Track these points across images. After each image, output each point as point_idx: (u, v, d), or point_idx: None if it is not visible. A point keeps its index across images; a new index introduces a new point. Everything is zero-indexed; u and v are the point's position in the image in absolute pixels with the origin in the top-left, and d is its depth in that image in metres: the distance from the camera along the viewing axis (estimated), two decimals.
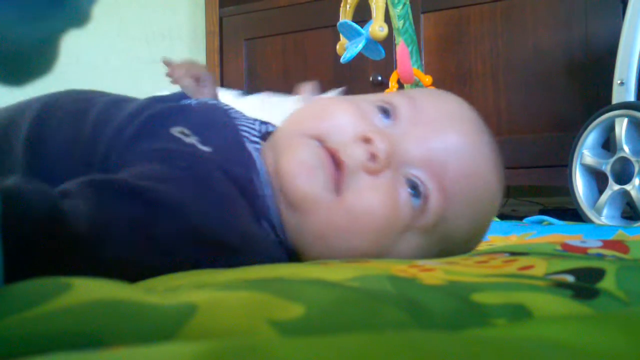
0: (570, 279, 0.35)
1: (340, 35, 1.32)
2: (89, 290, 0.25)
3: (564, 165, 1.48)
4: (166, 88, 0.70)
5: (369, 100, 0.52)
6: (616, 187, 1.38)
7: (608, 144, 1.45)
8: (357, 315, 0.26)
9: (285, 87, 1.83)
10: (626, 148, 1.37)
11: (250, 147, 0.51)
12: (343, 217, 0.46)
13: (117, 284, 0.28)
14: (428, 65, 1.89)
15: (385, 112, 0.51)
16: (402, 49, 1.42)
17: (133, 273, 0.36)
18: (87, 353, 0.18)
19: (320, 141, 0.49)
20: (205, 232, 0.42)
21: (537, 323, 0.27)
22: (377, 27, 1.22)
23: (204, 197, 0.44)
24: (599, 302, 0.32)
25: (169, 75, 0.70)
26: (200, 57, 2.47)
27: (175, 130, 0.49)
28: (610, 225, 1.18)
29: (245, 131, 0.52)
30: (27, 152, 0.50)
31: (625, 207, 1.41)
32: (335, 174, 0.47)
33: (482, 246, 0.59)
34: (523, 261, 0.40)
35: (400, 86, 1.47)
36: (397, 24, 1.42)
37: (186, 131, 0.49)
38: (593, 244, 0.47)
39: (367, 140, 0.47)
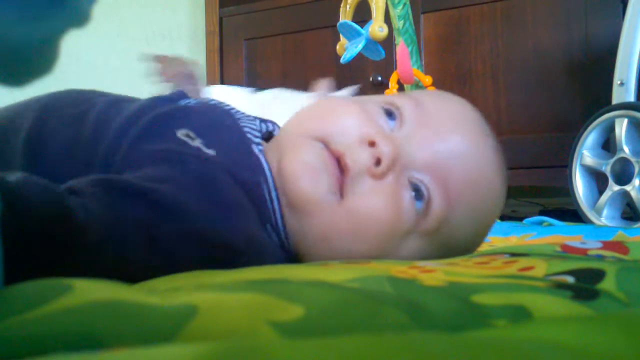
0: (570, 280, 0.35)
1: (340, 36, 1.32)
2: (90, 291, 0.25)
3: (564, 166, 1.48)
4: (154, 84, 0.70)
5: (374, 102, 0.52)
6: (616, 187, 1.38)
7: (608, 144, 1.45)
8: (357, 316, 0.26)
9: (285, 87, 1.83)
10: (626, 149, 1.37)
11: (255, 149, 0.50)
12: (346, 221, 0.46)
13: (118, 285, 0.28)
14: (428, 66, 1.89)
15: (390, 114, 0.51)
16: (402, 49, 1.42)
17: (136, 273, 0.36)
18: (88, 354, 0.18)
19: (325, 143, 0.48)
20: (210, 234, 0.42)
21: (537, 324, 0.27)
22: (377, 28, 1.22)
23: (210, 199, 0.44)
24: (599, 303, 0.32)
25: (161, 74, 0.69)
26: (200, 57, 2.47)
27: (181, 133, 0.48)
28: (610, 226, 1.18)
29: (249, 132, 0.52)
30: (27, 154, 0.50)
31: (625, 208, 1.41)
32: (339, 177, 0.47)
33: (482, 247, 0.59)
34: (523, 262, 0.40)
35: (401, 87, 1.47)
36: (397, 24, 1.42)
37: (191, 134, 0.48)
38: (593, 245, 0.47)
39: (371, 144, 0.47)
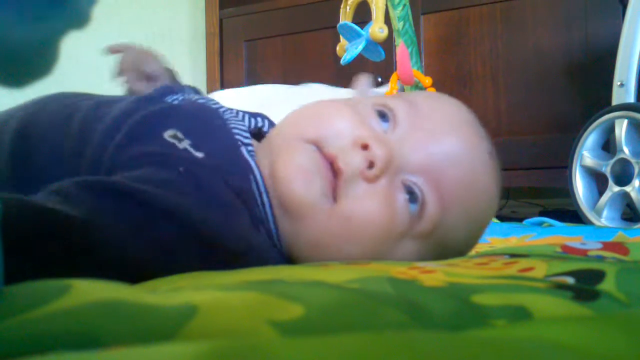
0: (570, 280, 0.35)
1: (340, 37, 1.32)
2: (89, 291, 0.25)
3: (564, 167, 1.48)
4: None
5: (367, 104, 0.52)
6: (616, 188, 1.38)
7: (608, 145, 1.45)
8: (356, 316, 0.26)
9: None
10: (626, 149, 1.37)
11: (244, 151, 0.50)
12: (340, 225, 0.46)
13: (118, 285, 0.28)
14: (428, 67, 1.89)
15: (383, 115, 0.51)
16: (402, 51, 1.42)
17: (122, 275, 0.36)
18: (87, 353, 0.18)
19: (318, 146, 0.48)
20: (203, 235, 0.42)
21: (537, 324, 0.27)
22: (377, 29, 1.22)
23: (201, 201, 0.43)
24: (599, 304, 0.32)
25: (118, 77, 0.68)
26: (201, 59, 2.47)
27: (168, 134, 0.48)
28: (610, 227, 1.18)
29: (238, 133, 0.51)
30: (14, 160, 0.49)
31: (625, 209, 1.41)
32: (332, 180, 0.47)
33: (482, 248, 0.59)
34: (523, 263, 0.40)
35: (400, 88, 1.46)
36: (397, 25, 1.42)
37: (179, 134, 0.48)
38: (593, 246, 0.47)
39: (364, 147, 0.47)
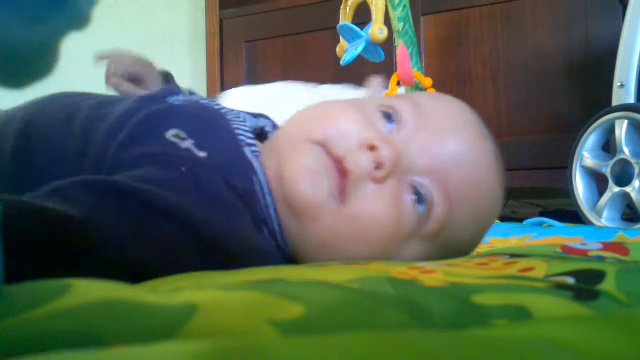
0: (570, 280, 0.35)
1: (340, 37, 1.32)
2: (89, 291, 0.25)
3: (564, 167, 1.48)
4: None
5: (373, 105, 0.52)
6: (616, 189, 1.38)
7: (608, 145, 1.45)
8: (356, 316, 0.26)
9: None
10: (626, 150, 1.37)
11: (247, 152, 0.50)
12: (347, 225, 0.46)
13: (117, 284, 0.28)
14: (428, 67, 1.89)
15: (389, 116, 0.51)
16: (402, 51, 1.42)
17: (122, 274, 0.36)
18: (87, 353, 0.18)
19: (324, 147, 0.48)
20: (201, 235, 0.42)
21: (537, 323, 0.27)
22: (376, 29, 1.22)
23: (200, 200, 0.43)
24: (599, 304, 0.32)
25: (106, 81, 0.68)
26: (201, 59, 2.47)
27: (170, 134, 0.48)
28: (610, 227, 1.18)
29: (241, 134, 0.51)
30: (17, 159, 0.49)
31: (625, 209, 1.41)
32: (340, 181, 0.47)
33: (483, 248, 0.59)
34: (523, 263, 0.40)
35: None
36: (397, 26, 1.42)
37: (181, 134, 0.48)
38: (593, 246, 0.47)
39: (372, 148, 0.47)
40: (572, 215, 1.50)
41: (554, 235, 0.90)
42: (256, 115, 0.57)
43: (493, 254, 0.46)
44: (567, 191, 1.47)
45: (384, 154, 0.47)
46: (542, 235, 0.89)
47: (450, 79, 1.91)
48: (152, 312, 0.24)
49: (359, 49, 1.24)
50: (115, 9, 2.32)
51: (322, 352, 0.17)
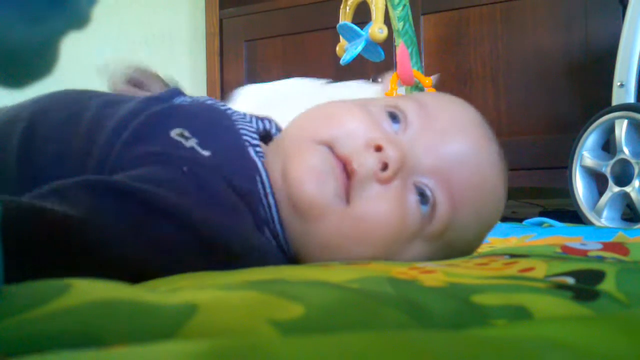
0: (570, 281, 0.35)
1: (340, 37, 1.32)
2: (89, 291, 0.25)
3: (564, 167, 1.48)
4: None
5: (378, 105, 0.52)
6: (616, 189, 1.38)
7: (608, 145, 1.45)
8: (357, 316, 0.26)
9: None
10: (626, 150, 1.37)
11: (252, 152, 0.50)
12: (352, 226, 0.46)
13: (117, 284, 0.28)
14: (428, 67, 1.89)
15: (394, 117, 0.51)
16: (402, 51, 1.42)
17: (122, 274, 0.36)
18: (87, 352, 0.18)
19: (330, 147, 0.48)
20: (201, 235, 0.42)
21: (537, 323, 0.27)
22: (376, 29, 1.22)
23: (200, 200, 0.43)
24: (599, 304, 0.32)
25: (109, 86, 0.68)
26: (201, 59, 2.47)
27: (175, 133, 0.48)
28: (610, 227, 1.18)
29: (245, 135, 0.51)
30: (21, 158, 0.49)
31: (625, 209, 1.41)
32: (345, 182, 0.47)
33: (483, 248, 0.59)
34: (523, 263, 0.40)
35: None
36: (397, 25, 1.42)
37: (186, 133, 0.48)
38: (593, 246, 0.47)
39: (378, 148, 0.47)
40: (572, 215, 1.50)
41: (554, 235, 0.90)
42: (262, 118, 0.57)
43: (493, 254, 0.46)
44: (567, 191, 1.47)
45: (390, 155, 0.47)
46: (542, 236, 0.89)
47: (450, 78, 1.91)
48: (152, 312, 0.24)
49: (359, 48, 1.24)
50: (115, 9, 2.32)
51: (322, 352, 0.17)
